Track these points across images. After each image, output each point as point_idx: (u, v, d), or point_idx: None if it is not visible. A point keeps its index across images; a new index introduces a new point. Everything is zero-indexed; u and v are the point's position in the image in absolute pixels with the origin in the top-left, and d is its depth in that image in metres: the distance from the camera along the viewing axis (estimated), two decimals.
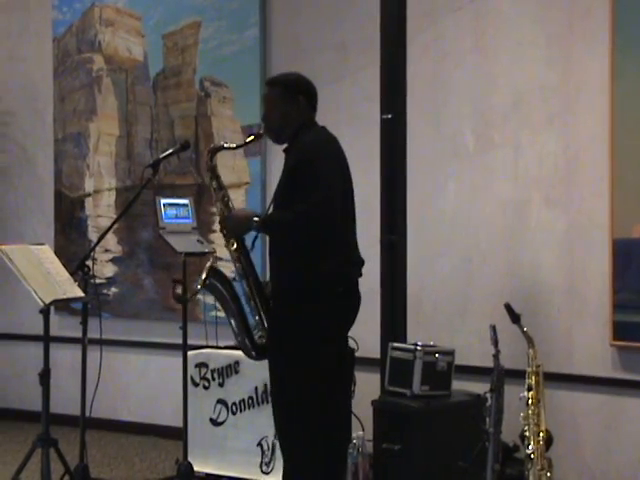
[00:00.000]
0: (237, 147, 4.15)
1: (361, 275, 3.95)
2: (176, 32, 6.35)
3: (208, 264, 3.98)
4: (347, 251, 3.88)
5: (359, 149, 5.23)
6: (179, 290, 4.84)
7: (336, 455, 3.95)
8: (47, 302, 4.41)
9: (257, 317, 3.91)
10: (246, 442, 5.05)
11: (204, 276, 3.92)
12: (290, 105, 3.90)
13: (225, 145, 4.10)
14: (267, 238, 4.07)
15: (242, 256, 3.92)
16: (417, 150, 5.06)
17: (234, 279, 3.98)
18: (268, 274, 4.17)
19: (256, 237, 3.97)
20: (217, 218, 4.09)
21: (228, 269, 4.05)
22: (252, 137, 4.04)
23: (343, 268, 3.84)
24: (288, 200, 3.75)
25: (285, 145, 4.00)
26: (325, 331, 3.80)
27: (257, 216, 3.81)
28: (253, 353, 3.95)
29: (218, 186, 4.02)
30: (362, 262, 3.96)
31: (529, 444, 3.73)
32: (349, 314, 3.92)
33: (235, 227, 3.88)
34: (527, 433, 3.74)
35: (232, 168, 5.94)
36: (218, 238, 5.25)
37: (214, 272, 3.97)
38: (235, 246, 3.91)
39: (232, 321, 3.96)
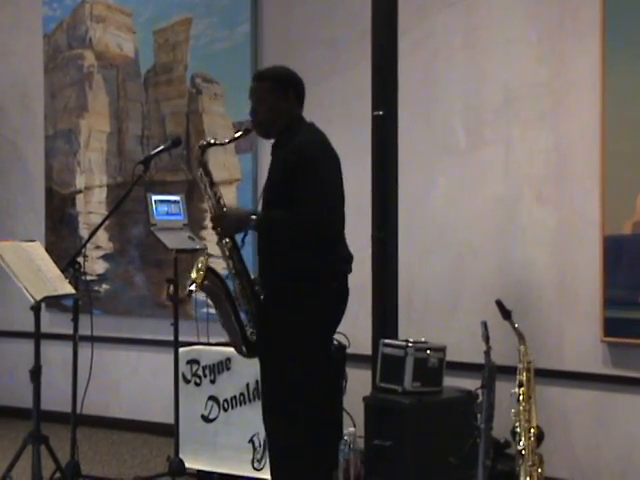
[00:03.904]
0: (227, 142, 4.09)
1: (351, 271, 3.96)
2: (167, 28, 6.34)
3: (202, 264, 3.88)
4: (341, 248, 3.90)
5: (350, 146, 5.22)
6: (172, 290, 4.84)
7: (326, 451, 3.96)
8: (38, 299, 4.40)
9: (248, 314, 3.91)
10: (238, 439, 5.04)
11: (201, 280, 3.85)
12: (280, 99, 3.84)
13: (215, 141, 4.03)
14: (256, 235, 4.03)
15: (234, 253, 3.91)
16: (408, 147, 5.06)
17: (226, 276, 3.97)
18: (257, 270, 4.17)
19: (245, 234, 3.91)
20: (208, 215, 4.06)
21: (219, 265, 4.04)
22: (241, 132, 3.97)
23: (338, 265, 3.85)
24: (282, 197, 3.73)
25: (273, 140, 3.97)
26: (318, 327, 3.81)
27: (253, 214, 3.80)
28: (244, 348, 3.95)
29: (210, 183, 3.97)
30: (352, 257, 3.96)
31: (520, 440, 3.72)
32: (340, 310, 3.93)
33: (231, 225, 3.84)
34: (518, 429, 3.73)
35: (223, 164, 5.94)
36: (209, 235, 5.25)
37: (212, 273, 3.93)
38: (228, 244, 3.90)
39: (224, 318, 3.95)
